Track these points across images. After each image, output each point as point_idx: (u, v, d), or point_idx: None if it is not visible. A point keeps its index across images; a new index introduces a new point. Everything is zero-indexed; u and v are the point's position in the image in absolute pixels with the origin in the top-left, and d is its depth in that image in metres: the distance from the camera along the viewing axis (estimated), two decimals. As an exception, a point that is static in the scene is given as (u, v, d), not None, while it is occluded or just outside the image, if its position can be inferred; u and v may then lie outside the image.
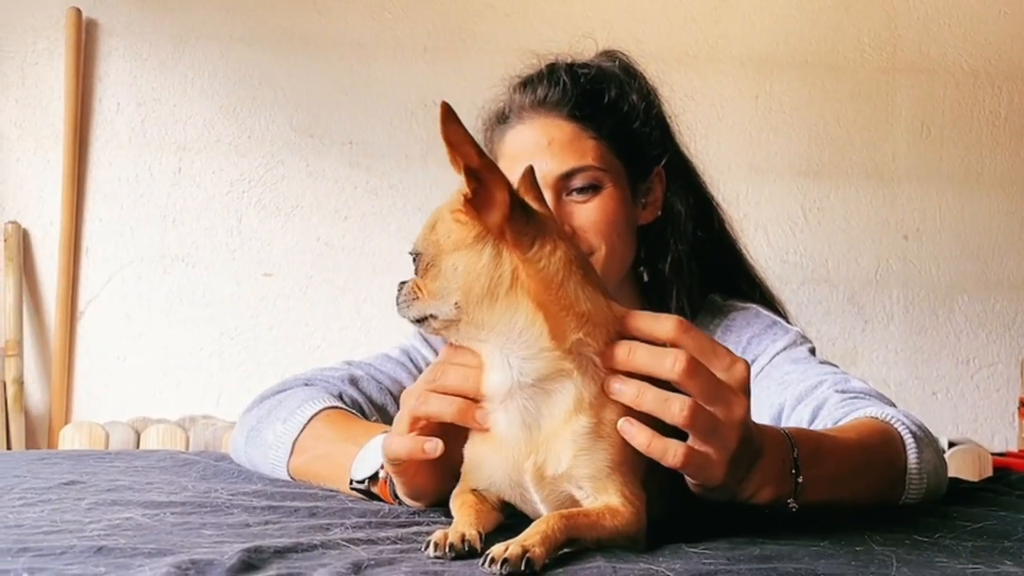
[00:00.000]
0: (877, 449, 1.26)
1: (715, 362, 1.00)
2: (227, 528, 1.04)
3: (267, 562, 0.87)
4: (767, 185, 3.49)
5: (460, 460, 1.06)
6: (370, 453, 1.26)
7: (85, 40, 3.33)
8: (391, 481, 1.18)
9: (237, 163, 3.36)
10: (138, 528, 1.02)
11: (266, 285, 3.35)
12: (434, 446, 1.03)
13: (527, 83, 1.63)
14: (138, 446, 3.06)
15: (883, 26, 3.56)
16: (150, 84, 3.36)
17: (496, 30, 3.42)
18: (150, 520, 1.07)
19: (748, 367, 1.03)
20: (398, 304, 1.05)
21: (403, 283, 1.05)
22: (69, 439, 3.02)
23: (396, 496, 1.19)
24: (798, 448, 1.12)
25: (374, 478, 1.23)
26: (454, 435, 1.05)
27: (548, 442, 0.99)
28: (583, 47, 1.70)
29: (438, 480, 1.11)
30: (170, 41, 3.37)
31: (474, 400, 1.02)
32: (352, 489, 1.26)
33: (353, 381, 1.58)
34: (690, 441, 0.98)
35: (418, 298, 1.02)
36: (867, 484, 1.23)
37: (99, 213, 3.32)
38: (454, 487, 1.08)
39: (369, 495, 1.25)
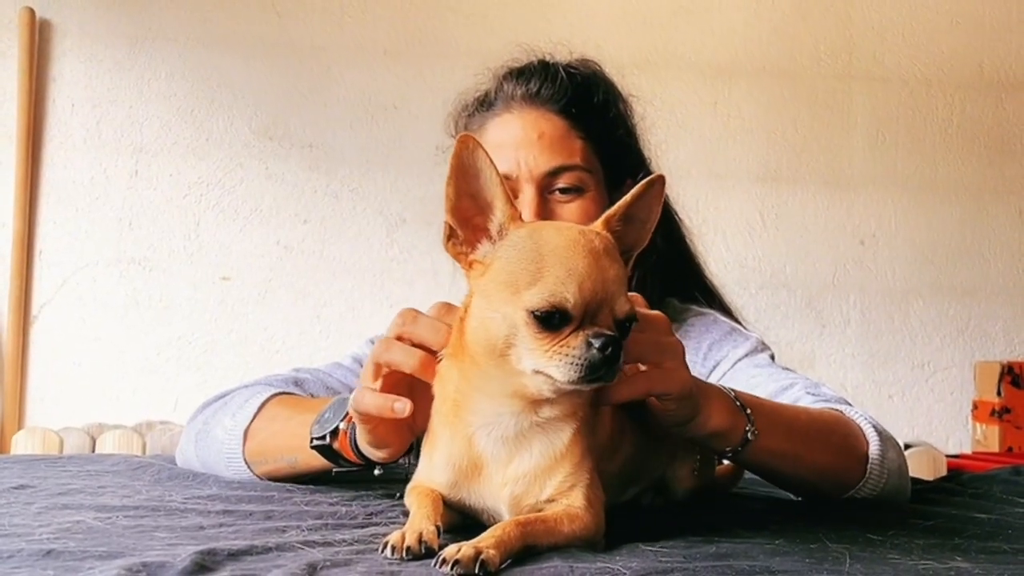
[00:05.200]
0: (833, 425, 1.30)
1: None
2: (181, 531, 1.03)
3: (221, 564, 0.87)
4: (726, 191, 3.52)
5: (424, 419, 1.06)
6: (329, 412, 1.26)
7: (39, 41, 3.28)
8: (352, 434, 1.19)
9: (195, 166, 3.33)
10: (89, 531, 1.01)
11: (224, 289, 3.32)
12: (403, 407, 1.03)
13: (521, 74, 1.63)
14: (93, 452, 3.01)
15: (839, 35, 3.61)
16: (105, 85, 3.32)
17: (457, 34, 3.42)
18: (102, 523, 1.05)
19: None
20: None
21: (599, 344, 0.93)
22: (22, 445, 2.96)
23: (356, 448, 1.19)
24: (734, 393, 1.17)
25: (334, 433, 1.23)
26: (420, 392, 1.05)
27: (534, 475, 0.99)
28: (554, 52, 1.70)
29: (402, 434, 1.12)
30: (126, 42, 3.33)
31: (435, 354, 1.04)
32: (312, 447, 1.26)
33: (298, 383, 1.57)
34: (648, 367, 1.03)
35: None
36: (824, 449, 1.26)
37: (53, 216, 3.27)
38: (412, 443, 1.08)
39: (329, 453, 1.25)
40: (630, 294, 1.01)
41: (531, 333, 0.93)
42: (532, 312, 0.92)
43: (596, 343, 0.92)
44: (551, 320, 0.92)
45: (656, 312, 1.08)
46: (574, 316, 0.93)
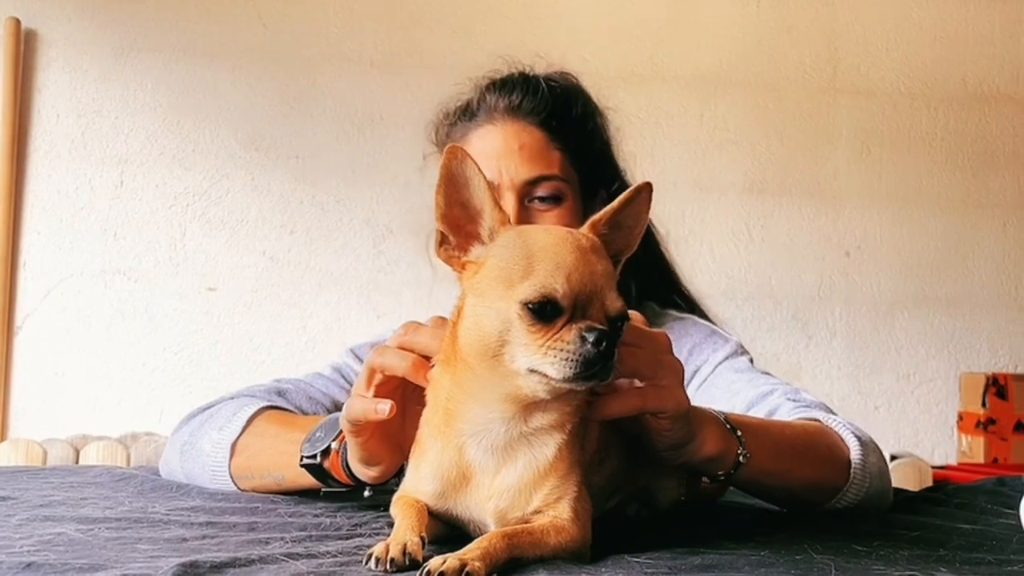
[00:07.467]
0: (816, 436, 1.31)
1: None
2: (163, 543, 1.02)
3: (203, 576, 0.86)
4: (712, 202, 3.53)
5: (413, 438, 1.06)
6: (320, 431, 1.26)
7: (24, 51, 3.27)
8: (343, 453, 1.19)
9: (181, 176, 3.32)
10: (70, 544, 1.00)
11: (210, 300, 3.31)
12: (385, 407, 1.03)
13: (502, 85, 1.66)
14: (77, 463, 2.98)
15: (824, 48, 3.63)
16: (90, 96, 3.31)
17: (443, 46, 3.43)
18: (83, 535, 1.04)
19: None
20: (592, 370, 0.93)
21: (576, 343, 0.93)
22: (4, 456, 2.93)
23: (347, 469, 1.19)
24: (724, 415, 1.17)
25: (326, 452, 1.23)
26: (411, 416, 1.05)
27: (521, 487, 0.99)
28: (533, 64, 1.72)
29: (391, 449, 1.11)
30: (111, 52, 3.32)
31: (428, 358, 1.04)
32: (302, 466, 1.26)
33: (280, 393, 1.57)
34: (644, 384, 1.02)
35: None
36: (810, 462, 1.27)
37: (37, 226, 3.25)
38: (403, 464, 1.08)
39: (319, 473, 1.25)
40: (630, 311, 1.02)
41: (524, 327, 0.93)
42: (525, 303, 0.93)
43: (590, 337, 0.92)
44: (543, 311, 0.93)
45: (658, 330, 1.09)
46: (564, 306, 0.93)
